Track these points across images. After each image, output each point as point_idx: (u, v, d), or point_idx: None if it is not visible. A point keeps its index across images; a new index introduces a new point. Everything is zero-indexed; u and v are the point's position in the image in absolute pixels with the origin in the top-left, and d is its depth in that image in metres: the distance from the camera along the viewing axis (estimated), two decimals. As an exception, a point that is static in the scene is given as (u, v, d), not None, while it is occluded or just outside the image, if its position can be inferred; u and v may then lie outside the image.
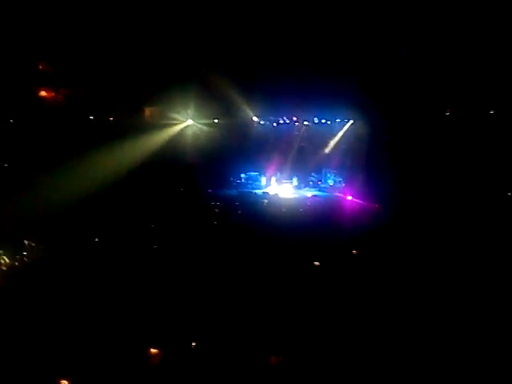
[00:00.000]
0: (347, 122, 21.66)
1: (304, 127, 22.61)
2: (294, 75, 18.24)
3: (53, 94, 19.47)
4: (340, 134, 22.03)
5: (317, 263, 10.94)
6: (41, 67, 19.00)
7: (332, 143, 22.38)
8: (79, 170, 17.57)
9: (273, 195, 20.25)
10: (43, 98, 19.29)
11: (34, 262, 10.95)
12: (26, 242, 11.67)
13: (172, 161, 19.66)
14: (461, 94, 18.02)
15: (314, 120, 21.97)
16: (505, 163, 16.90)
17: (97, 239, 12.80)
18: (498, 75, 16.88)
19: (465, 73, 17.37)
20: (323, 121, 21.91)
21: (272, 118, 22.49)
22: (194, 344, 7.28)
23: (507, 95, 17.24)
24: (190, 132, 21.64)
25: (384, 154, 19.31)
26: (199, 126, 21.61)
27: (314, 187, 21.89)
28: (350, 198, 19.37)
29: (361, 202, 18.47)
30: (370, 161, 20.04)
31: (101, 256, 11.26)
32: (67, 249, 11.69)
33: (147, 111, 20.66)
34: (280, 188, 21.53)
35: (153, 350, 7.06)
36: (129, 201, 16.25)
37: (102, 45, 17.89)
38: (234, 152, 21.38)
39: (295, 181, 21.95)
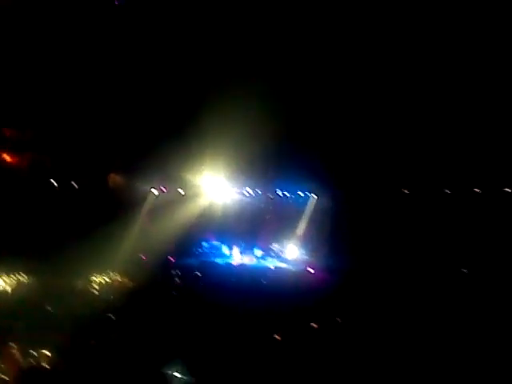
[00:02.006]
0: (311, 197, 22.08)
1: (269, 200, 22.90)
2: (259, 150, 18.70)
3: (17, 159, 19.28)
4: (304, 207, 22.37)
5: (277, 337, 10.72)
6: (7, 133, 18.94)
7: (296, 216, 22.65)
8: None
9: (235, 265, 20.06)
10: (7, 162, 19.06)
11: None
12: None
13: (132, 228, 19.41)
14: (416, 174, 18.89)
15: (278, 193, 22.33)
16: (458, 242, 17.67)
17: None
18: (451, 158, 17.92)
19: (420, 154, 18.33)
20: (287, 194, 22.31)
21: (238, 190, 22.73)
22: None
23: (462, 175, 18.23)
24: (154, 200, 21.57)
25: (345, 228, 19.72)
26: (163, 194, 21.59)
27: (277, 258, 21.82)
28: (312, 270, 19.38)
29: (323, 274, 18.48)
30: (332, 234, 20.36)
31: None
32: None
33: (111, 177, 20.58)
34: (243, 258, 21.37)
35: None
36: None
37: (67, 111, 18.10)
38: (198, 221, 21.34)
39: (258, 252, 21.88)
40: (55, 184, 19.69)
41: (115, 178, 20.58)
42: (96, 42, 16.59)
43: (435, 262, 17.49)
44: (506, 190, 18.25)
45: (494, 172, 17.74)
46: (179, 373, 8.15)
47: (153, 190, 20.88)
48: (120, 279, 14.00)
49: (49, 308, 11.27)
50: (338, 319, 12.13)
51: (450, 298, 13.44)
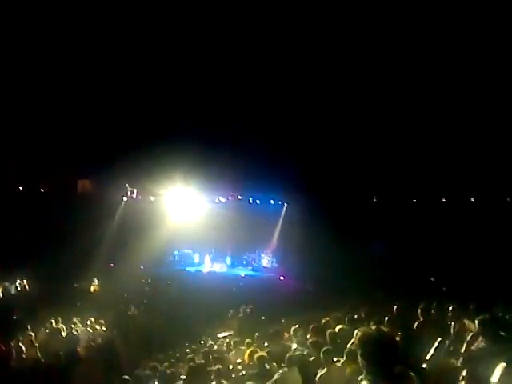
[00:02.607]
0: (282, 205, 22.18)
1: (240, 207, 22.84)
2: (232, 155, 18.77)
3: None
4: (275, 216, 22.41)
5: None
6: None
7: (267, 225, 22.66)
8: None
9: (206, 273, 19.98)
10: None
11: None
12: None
13: (101, 235, 19.08)
14: (387, 182, 19.27)
15: (249, 200, 22.33)
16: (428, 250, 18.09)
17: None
18: (420, 167, 18.35)
19: (391, 164, 18.71)
20: (258, 201, 22.34)
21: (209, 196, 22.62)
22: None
23: (431, 184, 18.67)
24: (124, 208, 21.28)
25: (314, 237, 19.89)
26: (134, 202, 21.33)
27: (248, 266, 21.80)
28: (282, 278, 19.48)
29: (292, 282, 18.59)
30: (303, 243, 20.50)
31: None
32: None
33: (80, 183, 20.22)
34: (213, 266, 21.29)
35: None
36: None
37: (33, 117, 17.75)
38: (168, 228, 21.15)
39: (229, 260, 21.84)
40: (20, 189, 19.20)
41: (85, 184, 20.23)
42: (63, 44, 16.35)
43: (406, 269, 17.89)
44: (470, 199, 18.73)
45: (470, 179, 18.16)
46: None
47: (123, 197, 20.63)
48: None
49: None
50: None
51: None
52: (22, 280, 15.87)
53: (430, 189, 19.12)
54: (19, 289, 15.82)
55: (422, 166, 18.36)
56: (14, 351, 7.91)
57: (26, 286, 15.91)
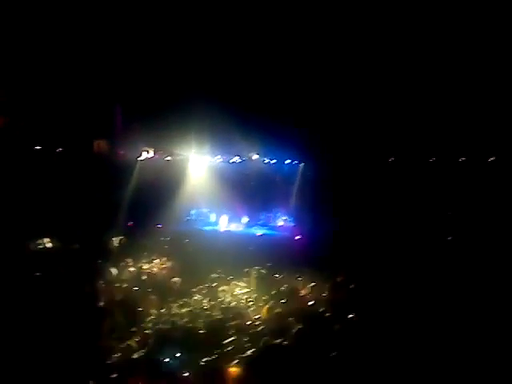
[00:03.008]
0: (298, 164, 22.04)
1: (255, 166, 22.78)
2: (247, 114, 18.57)
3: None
4: (291, 174, 22.32)
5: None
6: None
7: (282, 183, 22.65)
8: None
9: (222, 233, 20.14)
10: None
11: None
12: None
13: (119, 195, 19.27)
14: (404, 141, 18.98)
15: (264, 159, 22.24)
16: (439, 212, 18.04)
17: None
18: (438, 125, 18.00)
19: (407, 122, 18.37)
20: (274, 160, 22.24)
21: (225, 155, 22.58)
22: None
23: (448, 143, 18.37)
24: (140, 168, 21.36)
25: (330, 195, 19.87)
26: (151, 161, 21.38)
27: (264, 226, 21.91)
28: (298, 237, 19.54)
29: (308, 241, 18.65)
30: (317, 201, 20.49)
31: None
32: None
33: (96, 144, 20.23)
34: (230, 226, 21.44)
35: None
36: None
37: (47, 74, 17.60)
38: (185, 188, 21.23)
39: (245, 219, 21.94)
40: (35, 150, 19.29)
41: (100, 144, 20.23)
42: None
43: (420, 229, 17.89)
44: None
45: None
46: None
47: (140, 157, 20.65)
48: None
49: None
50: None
51: (436, 265, 13.75)
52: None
53: (448, 148, 18.81)
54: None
55: (441, 123, 18.02)
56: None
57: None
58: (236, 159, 22.36)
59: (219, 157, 22.52)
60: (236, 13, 16.66)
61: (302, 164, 21.93)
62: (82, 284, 11.26)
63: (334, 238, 17.37)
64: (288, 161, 22.10)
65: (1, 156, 17.85)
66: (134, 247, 16.51)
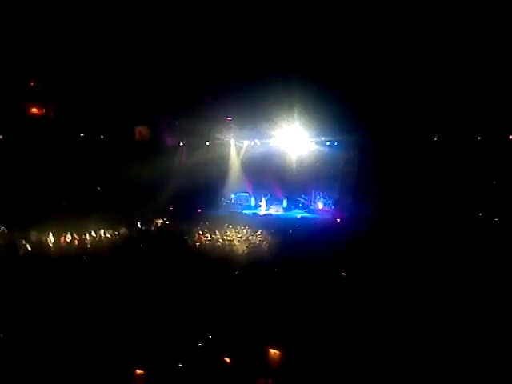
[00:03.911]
0: (338, 146, 21.70)
1: (295, 149, 22.59)
2: (285, 98, 18.40)
3: (43, 110, 19.45)
4: (331, 157, 22.00)
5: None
6: (32, 84, 19.02)
7: (323, 167, 22.37)
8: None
9: (262, 216, 20.22)
10: (33, 114, 19.27)
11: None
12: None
13: (161, 180, 19.64)
14: (449, 120, 18.39)
15: (304, 142, 22.03)
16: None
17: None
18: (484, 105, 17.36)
19: (453, 101, 17.77)
20: (314, 143, 22.00)
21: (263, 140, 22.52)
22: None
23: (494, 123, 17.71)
24: (180, 152, 21.68)
25: (372, 177, 19.55)
26: (191, 146, 21.64)
27: (304, 209, 21.82)
28: (338, 220, 19.38)
29: (349, 223, 18.47)
30: (358, 184, 20.23)
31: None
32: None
33: (137, 130, 20.62)
34: (269, 209, 21.49)
35: (138, 371, 6.88)
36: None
37: (94, 63, 17.97)
38: (225, 172, 21.41)
39: (285, 202, 21.92)
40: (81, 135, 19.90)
41: (142, 131, 20.60)
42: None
43: (461, 208, 17.50)
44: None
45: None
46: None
47: (181, 143, 20.90)
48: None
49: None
50: (367, 268, 12.27)
51: (475, 247, 13.48)
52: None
53: (496, 126, 18.11)
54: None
55: (488, 102, 17.34)
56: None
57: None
58: (276, 142, 22.26)
59: (258, 141, 22.50)
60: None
61: (344, 146, 21.60)
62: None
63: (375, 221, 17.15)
64: (328, 143, 21.80)
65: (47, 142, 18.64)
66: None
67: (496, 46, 16.00)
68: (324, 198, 21.93)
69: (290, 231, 17.40)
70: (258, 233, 15.92)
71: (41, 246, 13.36)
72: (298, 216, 20.39)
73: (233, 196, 22.35)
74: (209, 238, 15.28)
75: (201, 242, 14.92)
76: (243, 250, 14.11)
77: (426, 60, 17.26)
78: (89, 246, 14.11)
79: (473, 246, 13.54)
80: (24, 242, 13.01)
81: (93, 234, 14.74)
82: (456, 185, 18.43)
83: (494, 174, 18.20)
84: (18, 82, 18.50)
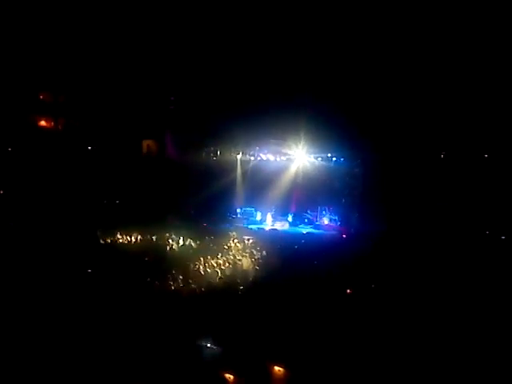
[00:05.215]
0: (344, 162, 21.71)
1: (301, 164, 22.63)
2: (291, 114, 18.50)
3: (52, 123, 19.67)
4: (337, 173, 21.97)
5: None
6: (41, 97, 19.26)
7: (327, 181, 22.33)
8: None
9: (267, 231, 20.19)
10: (42, 126, 19.49)
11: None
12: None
13: (166, 194, 19.71)
14: (456, 137, 18.41)
15: (310, 157, 22.10)
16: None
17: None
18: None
19: (457, 118, 17.83)
20: (319, 158, 22.05)
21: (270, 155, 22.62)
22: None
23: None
24: (187, 166, 21.76)
25: (377, 193, 19.53)
26: (197, 160, 21.74)
27: (309, 224, 21.76)
28: (344, 236, 19.32)
29: (355, 239, 18.39)
30: (364, 199, 20.19)
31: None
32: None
33: (145, 144, 20.78)
34: (275, 224, 21.45)
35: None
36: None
37: (103, 77, 18.20)
38: (230, 187, 21.46)
39: (290, 217, 21.89)
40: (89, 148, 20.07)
41: (150, 145, 20.75)
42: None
43: (466, 225, 17.43)
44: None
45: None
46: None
47: (188, 156, 21.01)
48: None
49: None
50: (372, 285, 12.20)
51: (480, 264, 13.43)
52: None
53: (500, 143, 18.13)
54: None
55: (494, 119, 17.38)
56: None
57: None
58: (282, 158, 22.36)
59: (265, 156, 22.60)
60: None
61: (349, 161, 21.61)
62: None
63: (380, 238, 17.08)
64: (334, 159, 21.85)
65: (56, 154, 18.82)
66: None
67: (501, 63, 16.09)
68: (330, 214, 21.85)
69: (296, 247, 17.34)
70: (264, 248, 15.86)
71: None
72: (304, 232, 20.32)
73: (239, 210, 22.36)
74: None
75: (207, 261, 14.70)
76: (248, 266, 14.08)
77: (432, 77, 17.36)
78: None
79: (478, 263, 13.48)
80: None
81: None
82: (462, 201, 18.35)
83: (501, 191, 18.12)
84: (28, 94, 18.75)
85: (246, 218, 22.00)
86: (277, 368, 7.57)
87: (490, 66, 16.47)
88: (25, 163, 18.08)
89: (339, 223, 21.17)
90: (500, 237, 17.29)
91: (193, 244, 16.49)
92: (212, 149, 21.24)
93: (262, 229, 20.73)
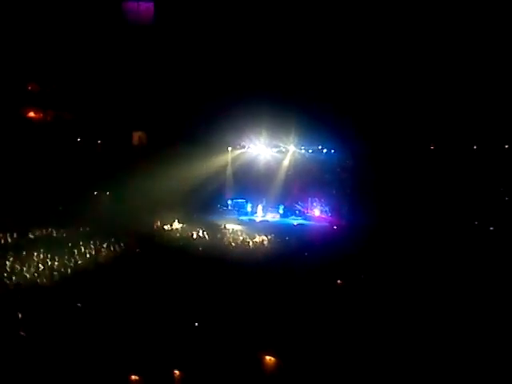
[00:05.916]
0: (334, 154, 21.76)
1: (292, 156, 22.66)
2: (282, 106, 18.49)
3: (41, 114, 19.47)
4: (327, 165, 22.03)
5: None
6: (29, 88, 19.05)
7: (318, 173, 22.40)
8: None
9: (258, 222, 20.22)
10: (30, 117, 19.29)
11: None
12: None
13: (159, 186, 19.63)
14: (445, 129, 18.52)
15: (301, 149, 22.13)
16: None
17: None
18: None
19: (449, 110, 17.91)
20: (310, 150, 22.09)
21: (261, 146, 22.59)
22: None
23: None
24: (179, 158, 21.65)
25: (368, 185, 19.62)
26: (188, 151, 21.62)
27: (300, 216, 21.82)
28: (335, 227, 19.40)
29: (345, 230, 18.49)
30: (355, 191, 20.28)
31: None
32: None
33: (135, 135, 20.64)
34: (266, 215, 21.48)
35: (134, 377, 6.88)
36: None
37: (92, 70, 18.05)
38: (222, 179, 21.42)
39: (281, 209, 21.92)
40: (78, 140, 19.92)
41: (140, 136, 20.62)
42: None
43: (456, 216, 17.60)
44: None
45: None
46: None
47: (178, 149, 20.92)
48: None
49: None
50: (362, 276, 12.28)
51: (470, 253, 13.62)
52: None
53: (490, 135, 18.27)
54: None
55: (484, 110, 17.50)
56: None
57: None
58: (273, 150, 22.38)
59: (255, 148, 22.58)
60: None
61: (340, 153, 21.66)
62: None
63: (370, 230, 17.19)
64: (324, 150, 21.90)
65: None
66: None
67: (493, 56, 16.17)
68: (321, 205, 21.93)
69: (287, 238, 17.35)
70: (255, 239, 15.90)
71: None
72: (295, 223, 20.37)
73: (229, 202, 22.35)
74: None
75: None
76: (239, 256, 14.10)
77: (422, 69, 17.42)
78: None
79: (468, 253, 13.63)
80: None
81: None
82: (452, 193, 18.51)
83: (490, 182, 18.30)
84: (16, 85, 18.53)
85: (237, 210, 22.01)
86: (268, 357, 7.62)
87: (478, 60, 16.58)
88: (13, 155, 17.90)
89: (330, 215, 21.26)
90: (488, 228, 17.48)
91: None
92: (203, 140, 21.12)
93: (253, 220, 20.76)
